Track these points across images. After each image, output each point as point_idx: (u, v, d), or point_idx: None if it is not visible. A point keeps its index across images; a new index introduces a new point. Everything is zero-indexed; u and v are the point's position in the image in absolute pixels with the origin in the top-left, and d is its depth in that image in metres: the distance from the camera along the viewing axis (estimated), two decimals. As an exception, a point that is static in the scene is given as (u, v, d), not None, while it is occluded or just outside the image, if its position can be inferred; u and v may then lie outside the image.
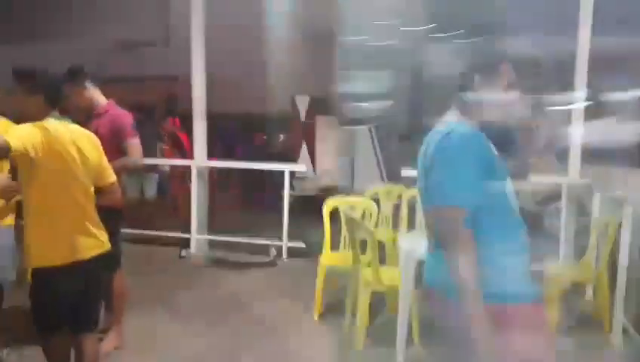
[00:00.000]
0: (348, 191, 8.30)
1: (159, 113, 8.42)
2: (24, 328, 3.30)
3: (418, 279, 3.27)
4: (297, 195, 8.51)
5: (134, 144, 3.34)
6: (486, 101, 1.69)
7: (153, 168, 6.84)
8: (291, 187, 8.25)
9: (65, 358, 2.32)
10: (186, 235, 5.96)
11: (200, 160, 5.97)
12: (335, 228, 4.20)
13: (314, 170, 8.51)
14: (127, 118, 3.37)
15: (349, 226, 3.75)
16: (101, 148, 2.35)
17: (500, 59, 1.68)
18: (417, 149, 1.84)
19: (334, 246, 4.29)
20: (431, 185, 1.67)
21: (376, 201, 4.86)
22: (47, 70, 2.12)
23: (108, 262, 3.26)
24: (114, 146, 3.26)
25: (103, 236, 2.32)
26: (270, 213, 6.42)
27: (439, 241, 1.66)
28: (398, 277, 3.34)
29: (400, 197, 5.11)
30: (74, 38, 19.44)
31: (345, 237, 4.23)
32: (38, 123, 2.00)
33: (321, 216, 4.20)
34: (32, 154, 1.93)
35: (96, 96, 3.39)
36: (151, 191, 6.97)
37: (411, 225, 4.95)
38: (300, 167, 6.27)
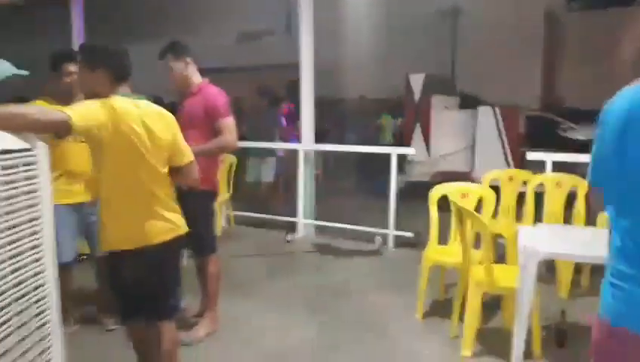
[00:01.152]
0: (466, 177, 7.67)
1: (279, 99, 8.50)
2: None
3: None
4: (409, 181, 8.05)
5: (228, 124, 3.20)
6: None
7: (271, 152, 6.86)
8: (403, 172, 7.82)
9: (142, 343, 2.24)
10: (293, 219, 5.88)
11: (307, 143, 5.82)
12: (446, 218, 3.75)
13: (428, 153, 7.96)
14: (221, 97, 3.26)
15: (458, 217, 3.29)
16: (177, 126, 2.21)
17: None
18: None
19: (443, 239, 3.84)
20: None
21: (496, 189, 4.30)
22: (109, 45, 2.00)
23: (196, 245, 3.23)
24: (208, 126, 3.17)
25: (179, 220, 2.19)
26: (380, 200, 6.11)
27: None
28: (516, 277, 2.82)
29: (525, 184, 4.47)
30: (201, 33, 20.82)
31: (454, 230, 3.76)
32: (103, 100, 1.89)
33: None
34: (96, 132, 1.82)
35: (193, 73, 3.31)
36: (268, 175, 7.01)
37: (538, 217, 4.31)
38: (409, 150, 5.81)
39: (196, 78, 3.31)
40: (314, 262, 4.99)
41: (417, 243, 5.30)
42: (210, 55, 21.64)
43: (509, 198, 4.59)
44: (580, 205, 4.10)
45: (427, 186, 7.86)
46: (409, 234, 5.28)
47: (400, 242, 5.39)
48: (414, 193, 7.94)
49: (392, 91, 14.44)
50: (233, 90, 7.59)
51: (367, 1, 17.08)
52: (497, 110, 7.43)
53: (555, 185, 4.30)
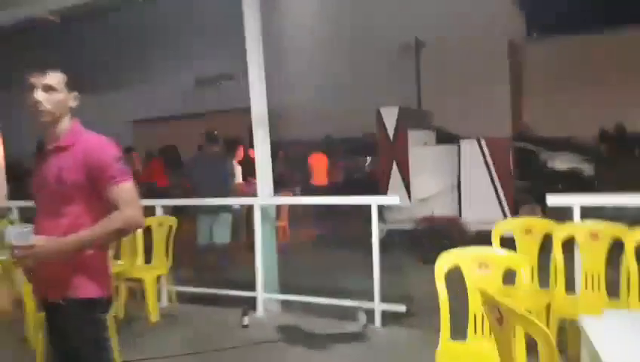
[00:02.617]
0: (454, 223, 6.62)
1: (233, 144, 7.38)
2: None
3: None
4: (391, 229, 6.95)
5: (125, 191, 2.00)
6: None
7: (226, 207, 5.63)
8: (382, 219, 6.72)
9: None
10: (251, 293, 4.64)
11: (264, 197, 4.67)
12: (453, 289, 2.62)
13: (409, 196, 6.90)
14: (110, 150, 2.06)
15: (487, 307, 2.16)
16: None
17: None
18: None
19: (458, 329, 2.68)
20: None
21: (506, 242, 3.25)
22: None
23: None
24: (92, 196, 1.99)
25: None
26: (358, 251, 5.03)
27: None
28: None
29: (546, 237, 3.42)
30: (159, 81, 19.88)
31: (478, 317, 2.61)
32: None
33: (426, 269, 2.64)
34: None
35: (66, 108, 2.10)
36: (222, 235, 5.75)
37: (570, 283, 3.25)
38: (392, 199, 4.60)
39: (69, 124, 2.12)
40: (279, 356, 3.75)
41: (411, 316, 4.17)
42: (167, 102, 20.57)
43: (528, 256, 3.51)
44: (630, 263, 3.04)
45: (411, 235, 6.87)
46: (400, 309, 4.10)
47: (389, 317, 4.21)
48: (397, 244, 6.86)
49: (359, 128, 13.59)
50: (188, 136, 6.41)
51: (329, 39, 16.51)
52: (483, 142, 6.48)
53: (590, 237, 3.25)
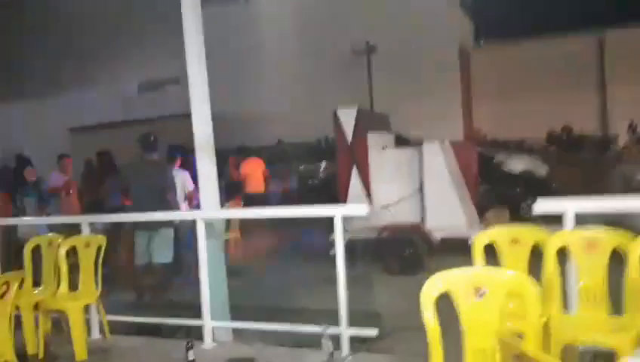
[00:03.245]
0: (417, 229, 6.18)
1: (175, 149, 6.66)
2: None
3: None
4: (352, 239, 6.46)
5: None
6: None
7: (168, 222, 4.95)
8: (343, 228, 6.21)
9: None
10: (197, 322, 4.00)
11: (208, 210, 4.05)
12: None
13: (370, 203, 6.42)
14: None
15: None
16: None
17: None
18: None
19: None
20: None
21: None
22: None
23: None
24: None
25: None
26: (318, 262, 4.54)
27: None
28: None
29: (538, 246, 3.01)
30: (98, 84, 18.72)
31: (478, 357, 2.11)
32: None
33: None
34: None
35: None
36: (163, 254, 5.05)
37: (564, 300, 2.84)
38: (359, 208, 3.90)
39: None
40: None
41: (382, 338, 3.68)
42: (109, 107, 19.34)
43: (516, 269, 3.08)
44: (635, 274, 2.65)
45: (373, 244, 6.39)
46: (371, 333, 3.58)
47: (357, 341, 3.69)
48: (359, 254, 6.36)
49: (313, 132, 13.13)
50: (130, 144, 5.64)
51: (279, 42, 15.97)
52: (448, 145, 6.11)
53: (587, 247, 2.86)
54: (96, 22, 17.28)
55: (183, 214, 4.75)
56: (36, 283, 4.42)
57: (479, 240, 3.13)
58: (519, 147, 12.24)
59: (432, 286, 2.16)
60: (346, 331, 3.55)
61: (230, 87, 14.64)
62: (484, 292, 2.14)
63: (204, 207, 4.10)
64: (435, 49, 14.69)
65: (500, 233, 3.21)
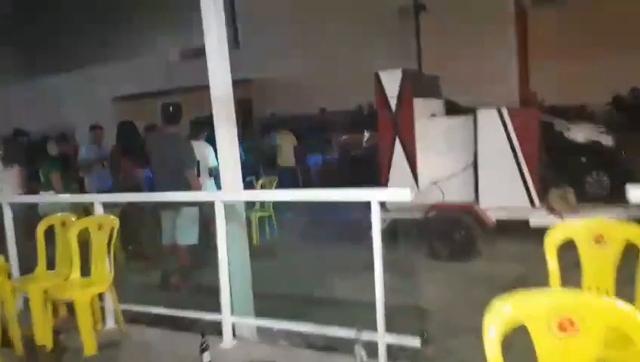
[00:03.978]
0: (469, 211, 5.46)
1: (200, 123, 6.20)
2: None
3: None
4: (395, 219, 5.86)
5: None
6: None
7: (191, 201, 4.51)
8: (382, 206, 5.60)
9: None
10: (216, 317, 3.55)
11: (229, 192, 3.55)
12: None
13: (416, 180, 5.76)
14: None
15: None
16: None
17: None
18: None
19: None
20: None
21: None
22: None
23: None
24: None
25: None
26: (353, 250, 4.03)
27: None
28: None
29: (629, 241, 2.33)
30: (142, 55, 18.68)
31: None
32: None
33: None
34: None
35: None
36: (188, 236, 4.65)
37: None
38: (400, 193, 3.20)
39: None
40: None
41: (426, 342, 3.11)
42: (153, 75, 19.21)
43: (600, 277, 2.42)
44: None
45: (418, 226, 5.76)
46: (414, 343, 3.01)
47: (396, 350, 3.14)
48: (401, 237, 5.77)
49: (357, 100, 12.45)
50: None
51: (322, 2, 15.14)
52: (506, 114, 5.32)
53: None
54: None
55: (199, 195, 4.28)
56: (50, 266, 4.12)
57: (552, 238, 2.48)
58: (579, 114, 11.11)
59: (498, 316, 1.56)
60: (383, 338, 3.00)
61: (275, 53, 14.10)
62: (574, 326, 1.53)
63: (225, 187, 3.59)
64: (489, 5, 13.50)
65: (579, 229, 2.53)
